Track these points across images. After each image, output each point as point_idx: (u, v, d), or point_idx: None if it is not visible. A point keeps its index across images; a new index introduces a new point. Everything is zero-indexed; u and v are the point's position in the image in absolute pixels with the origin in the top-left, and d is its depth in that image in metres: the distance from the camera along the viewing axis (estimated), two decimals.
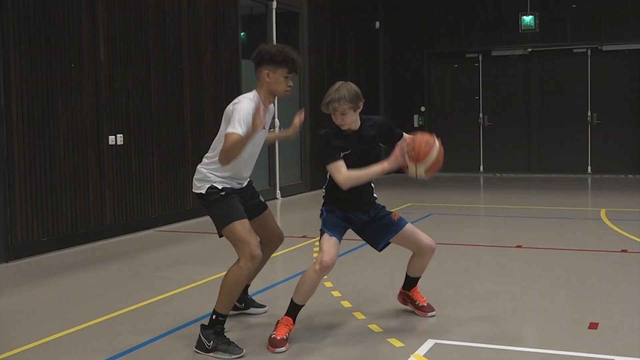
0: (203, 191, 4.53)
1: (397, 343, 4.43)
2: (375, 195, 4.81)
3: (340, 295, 5.59)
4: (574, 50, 15.10)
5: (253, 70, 4.63)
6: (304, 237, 8.09)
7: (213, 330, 4.34)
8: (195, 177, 4.64)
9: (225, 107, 4.53)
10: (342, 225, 4.65)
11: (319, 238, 4.60)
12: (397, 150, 4.40)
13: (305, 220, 9.55)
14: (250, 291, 5.33)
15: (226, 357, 4.27)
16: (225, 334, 4.38)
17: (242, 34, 10.82)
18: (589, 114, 15.03)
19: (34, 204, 7.32)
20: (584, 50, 15.04)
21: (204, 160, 4.65)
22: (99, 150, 8.13)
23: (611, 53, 14.85)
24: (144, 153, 8.82)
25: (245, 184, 4.73)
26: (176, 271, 6.64)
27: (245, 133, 4.21)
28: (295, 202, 11.08)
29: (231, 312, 4.70)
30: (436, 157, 4.39)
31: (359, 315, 5.03)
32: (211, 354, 4.30)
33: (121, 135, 8.44)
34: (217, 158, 4.42)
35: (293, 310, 4.53)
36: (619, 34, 14.56)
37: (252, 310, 5.19)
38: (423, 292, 5.20)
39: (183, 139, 9.51)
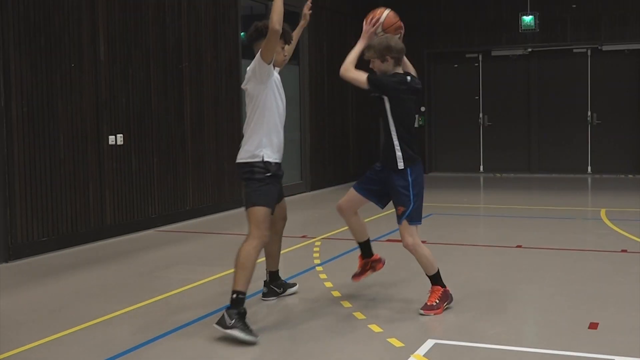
0: (251, 159, 4.85)
1: (397, 343, 4.43)
2: (400, 165, 4.97)
3: (340, 295, 5.59)
4: (574, 50, 15.11)
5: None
6: (304, 237, 8.10)
7: (237, 311, 4.55)
8: (245, 147, 4.92)
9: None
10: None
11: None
12: (365, 28, 5.25)
13: (305, 220, 9.55)
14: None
15: (242, 335, 4.47)
16: (246, 320, 4.57)
17: (242, 34, 10.82)
18: (589, 114, 15.03)
19: (34, 204, 7.32)
20: (584, 50, 15.04)
21: (248, 139, 4.92)
22: (99, 150, 8.13)
23: (611, 53, 14.85)
24: (144, 153, 8.82)
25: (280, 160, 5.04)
26: (176, 271, 6.64)
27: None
28: (296, 202, 11.07)
29: (271, 298, 5.35)
30: (395, 23, 5.35)
31: (359, 315, 5.03)
32: (229, 331, 4.49)
33: (121, 135, 8.45)
34: (254, 132, 4.88)
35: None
36: (619, 34, 14.56)
37: (289, 290, 5.62)
38: (423, 292, 5.20)
39: (183, 139, 9.51)
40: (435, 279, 5.12)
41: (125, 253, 7.58)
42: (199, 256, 7.45)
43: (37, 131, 7.36)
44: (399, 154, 4.94)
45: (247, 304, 4.70)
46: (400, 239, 5.10)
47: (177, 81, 9.41)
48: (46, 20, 7.47)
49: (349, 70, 5.07)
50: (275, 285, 5.51)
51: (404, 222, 4.96)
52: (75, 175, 7.82)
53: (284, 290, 5.58)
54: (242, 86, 5.04)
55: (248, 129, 4.94)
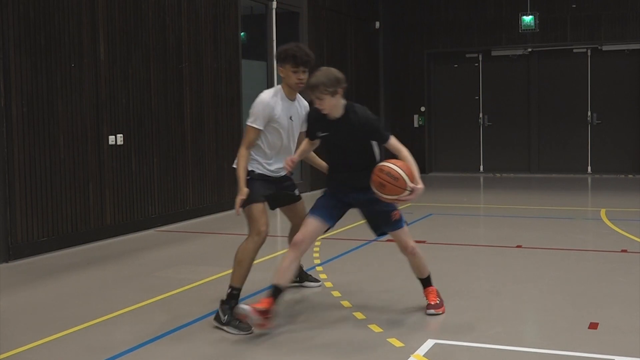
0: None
1: (397, 343, 4.43)
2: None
3: (340, 295, 5.59)
4: (574, 50, 15.10)
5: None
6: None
7: (229, 306, 4.74)
8: None
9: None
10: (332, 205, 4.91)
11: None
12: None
13: None
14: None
15: (235, 332, 4.65)
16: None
17: (242, 34, 10.82)
18: (589, 114, 15.03)
19: (34, 204, 7.32)
20: (584, 50, 15.04)
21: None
22: (99, 150, 8.13)
23: (611, 53, 14.85)
24: (144, 153, 8.82)
25: (280, 174, 5.16)
26: (176, 271, 6.64)
27: (260, 126, 4.92)
28: None
29: (289, 285, 5.17)
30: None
31: (359, 315, 5.03)
32: (225, 327, 4.70)
33: (121, 135, 8.44)
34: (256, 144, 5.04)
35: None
36: (619, 34, 14.56)
37: (307, 283, 5.79)
38: (423, 292, 5.21)
39: (183, 139, 9.51)
40: (429, 280, 5.14)
41: (125, 253, 7.57)
42: (199, 256, 7.45)
43: (37, 131, 7.35)
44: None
45: (246, 303, 4.68)
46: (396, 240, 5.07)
47: (177, 81, 9.41)
48: (46, 20, 7.47)
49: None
50: (306, 279, 5.82)
51: (405, 226, 4.96)
52: (75, 175, 7.82)
53: (301, 281, 5.78)
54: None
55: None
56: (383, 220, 4.89)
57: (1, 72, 6.98)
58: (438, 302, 5.06)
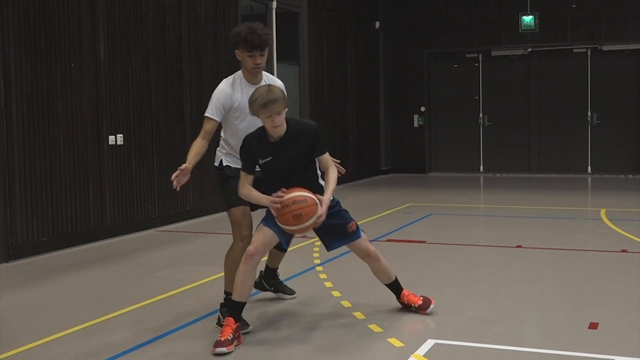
0: (215, 164, 5.01)
1: (397, 343, 4.43)
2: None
3: (340, 295, 5.59)
4: (574, 50, 15.11)
5: None
6: (304, 237, 8.08)
7: (227, 308, 4.67)
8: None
9: None
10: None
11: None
12: (273, 200, 4.36)
13: None
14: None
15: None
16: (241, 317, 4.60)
17: None
18: (589, 114, 15.03)
19: (34, 204, 7.32)
20: (584, 50, 15.04)
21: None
22: (99, 150, 8.13)
23: (611, 53, 14.85)
24: (144, 153, 8.82)
25: None
26: (176, 271, 6.64)
27: (215, 116, 4.78)
28: None
29: (256, 291, 5.24)
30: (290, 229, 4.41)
31: (359, 315, 5.03)
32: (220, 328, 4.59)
33: (121, 135, 8.44)
34: (223, 135, 4.93)
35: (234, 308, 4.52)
36: (619, 34, 14.56)
37: (281, 295, 5.51)
38: (423, 292, 5.20)
39: (183, 139, 9.50)
40: (398, 283, 5.08)
41: (125, 253, 7.58)
42: (199, 256, 7.45)
43: (37, 131, 7.35)
44: (322, 182, 4.73)
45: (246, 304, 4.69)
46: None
47: (177, 81, 9.41)
48: (46, 20, 7.47)
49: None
50: (267, 282, 5.47)
51: (363, 234, 4.89)
52: (75, 175, 7.82)
53: (275, 292, 5.52)
54: None
55: (221, 133, 4.99)
56: (341, 234, 4.74)
57: (1, 72, 6.98)
58: (422, 299, 5.04)
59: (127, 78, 8.54)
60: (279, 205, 4.34)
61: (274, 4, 11.57)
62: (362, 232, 4.86)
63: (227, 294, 4.78)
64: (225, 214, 5.01)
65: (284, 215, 4.35)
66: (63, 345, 4.57)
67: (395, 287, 5.09)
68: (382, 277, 5.05)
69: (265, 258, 5.41)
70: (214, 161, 5.02)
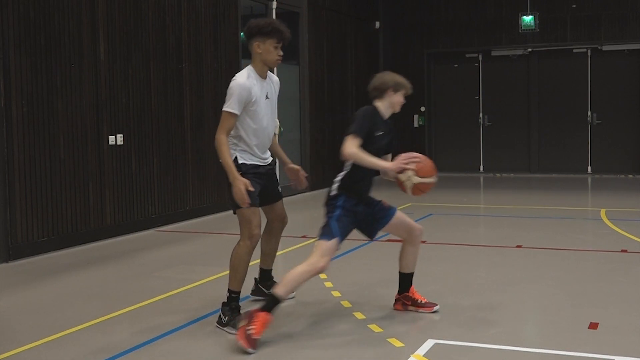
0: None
1: (397, 343, 4.43)
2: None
3: (340, 295, 5.59)
4: (574, 50, 15.11)
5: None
6: (304, 237, 8.09)
7: (229, 307, 4.75)
8: None
9: None
10: (350, 230, 4.81)
11: (322, 230, 4.66)
12: (402, 156, 4.66)
13: (305, 220, 9.54)
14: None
15: (234, 332, 4.56)
16: (240, 311, 4.74)
17: (241, 34, 10.82)
18: (589, 114, 15.03)
19: (34, 204, 7.32)
20: (584, 50, 15.04)
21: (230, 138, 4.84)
22: (99, 150, 8.13)
23: (611, 53, 14.85)
24: (144, 153, 8.82)
25: (269, 161, 5.02)
26: (176, 271, 6.64)
27: (237, 111, 4.67)
28: (296, 202, 11.07)
29: (259, 298, 5.19)
30: (429, 183, 4.74)
31: (359, 315, 5.03)
32: (225, 329, 4.70)
33: (121, 135, 8.44)
34: (235, 133, 4.80)
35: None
36: (619, 34, 14.56)
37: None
38: (423, 292, 5.21)
39: (183, 139, 9.51)
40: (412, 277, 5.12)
41: (125, 253, 7.57)
42: (199, 256, 7.45)
43: (37, 131, 7.35)
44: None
45: (245, 304, 4.69)
46: (398, 238, 5.09)
47: (177, 81, 9.41)
48: (46, 20, 7.47)
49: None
50: (264, 286, 5.41)
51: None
52: (75, 175, 7.82)
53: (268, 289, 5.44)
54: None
55: (232, 133, 4.85)
56: (381, 212, 4.92)
57: (1, 72, 6.98)
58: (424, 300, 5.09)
59: (127, 78, 8.54)
60: (418, 159, 4.68)
61: (274, 4, 11.57)
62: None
63: (232, 292, 4.77)
64: (227, 213, 5.02)
65: (426, 167, 4.69)
66: (63, 345, 4.57)
67: (409, 280, 5.09)
68: (408, 263, 5.05)
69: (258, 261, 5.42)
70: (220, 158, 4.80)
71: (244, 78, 4.74)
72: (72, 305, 5.54)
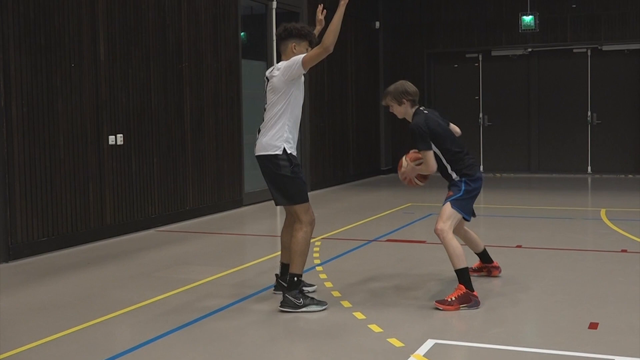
0: (273, 152, 5.21)
1: (397, 343, 4.43)
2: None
3: (340, 295, 5.59)
4: (574, 50, 15.11)
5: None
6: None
7: (298, 290, 5.12)
8: (262, 141, 5.28)
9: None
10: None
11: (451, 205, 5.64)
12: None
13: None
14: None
15: (318, 309, 5.09)
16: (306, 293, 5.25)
17: (242, 34, 10.82)
18: (589, 114, 15.04)
19: (34, 204, 7.32)
20: (584, 50, 15.04)
21: (267, 131, 5.29)
22: (99, 150, 8.13)
23: (611, 53, 14.86)
24: (144, 153, 8.82)
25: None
26: (176, 271, 6.64)
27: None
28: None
29: (279, 293, 5.38)
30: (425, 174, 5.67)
31: (359, 315, 5.03)
32: (303, 309, 5.06)
33: (121, 135, 8.45)
34: (278, 124, 5.28)
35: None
36: (619, 34, 14.57)
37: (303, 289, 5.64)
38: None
39: (183, 139, 9.51)
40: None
41: (125, 253, 7.58)
42: (199, 256, 7.45)
43: (37, 131, 7.36)
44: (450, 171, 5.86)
45: (245, 303, 4.67)
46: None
47: (177, 81, 9.41)
48: (46, 20, 7.47)
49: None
50: (283, 280, 5.45)
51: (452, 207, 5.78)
52: (75, 175, 7.82)
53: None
54: (267, 74, 5.44)
55: (271, 122, 5.27)
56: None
57: (1, 72, 6.98)
58: (451, 300, 5.17)
59: (127, 78, 8.54)
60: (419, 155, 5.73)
61: (274, 4, 11.57)
62: (453, 206, 5.65)
63: (297, 276, 5.11)
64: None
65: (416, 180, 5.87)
66: (63, 345, 4.57)
67: (486, 256, 6.26)
68: (473, 245, 6.22)
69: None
70: (261, 151, 5.26)
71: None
72: (72, 305, 5.54)
